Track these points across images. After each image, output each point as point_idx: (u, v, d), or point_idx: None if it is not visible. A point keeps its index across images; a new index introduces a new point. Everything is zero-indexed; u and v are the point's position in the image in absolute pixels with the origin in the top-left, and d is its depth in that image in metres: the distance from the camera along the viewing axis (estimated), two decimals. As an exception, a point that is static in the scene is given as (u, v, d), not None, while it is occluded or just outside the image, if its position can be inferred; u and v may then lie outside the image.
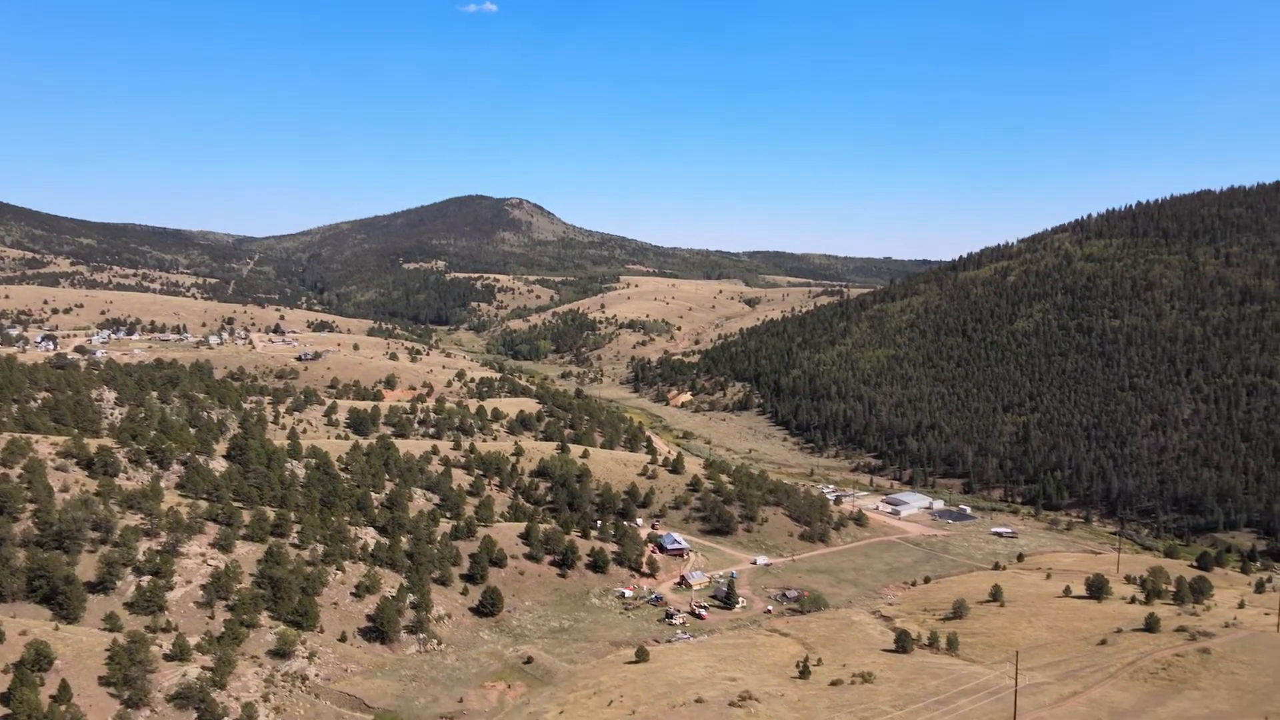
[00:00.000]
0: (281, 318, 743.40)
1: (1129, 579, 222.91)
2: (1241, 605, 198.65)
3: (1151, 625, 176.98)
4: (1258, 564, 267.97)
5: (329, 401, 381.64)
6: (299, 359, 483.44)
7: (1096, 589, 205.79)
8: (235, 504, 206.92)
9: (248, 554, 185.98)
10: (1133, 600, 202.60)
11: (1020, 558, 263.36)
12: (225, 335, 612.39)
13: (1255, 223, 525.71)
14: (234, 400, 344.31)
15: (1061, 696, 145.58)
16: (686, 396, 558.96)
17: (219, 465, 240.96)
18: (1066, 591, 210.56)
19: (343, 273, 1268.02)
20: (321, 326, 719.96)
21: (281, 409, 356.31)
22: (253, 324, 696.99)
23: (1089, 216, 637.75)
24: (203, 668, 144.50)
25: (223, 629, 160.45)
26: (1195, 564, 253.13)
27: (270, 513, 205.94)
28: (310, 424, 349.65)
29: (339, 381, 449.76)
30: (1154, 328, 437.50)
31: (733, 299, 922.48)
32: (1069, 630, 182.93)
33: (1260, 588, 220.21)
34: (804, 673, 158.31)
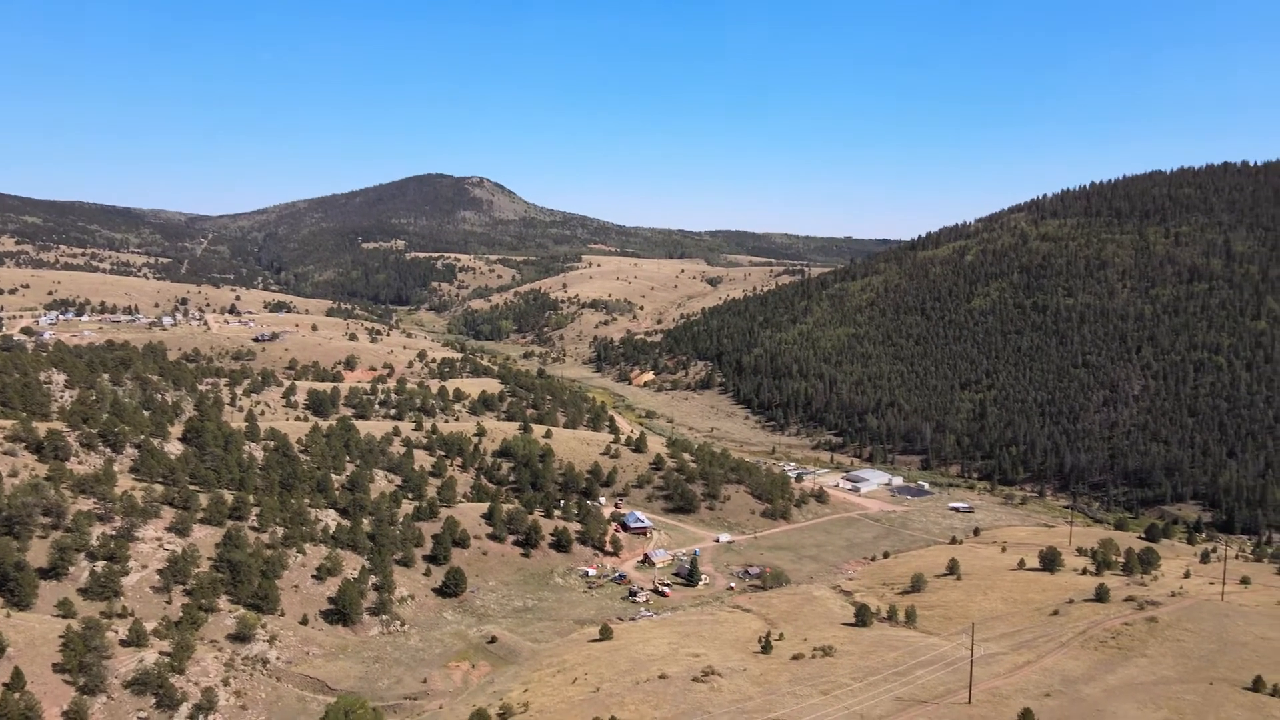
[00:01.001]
0: (237, 298, 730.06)
1: (1081, 551, 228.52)
2: (1187, 575, 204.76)
3: (1102, 595, 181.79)
4: (1203, 535, 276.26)
5: (287, 383, 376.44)
6: (256, 340, 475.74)
7: (1049, 561, 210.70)
8: (192, 487, 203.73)
9: (205, 538, 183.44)
10: (1084, 572, 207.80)
11: (977, 532, 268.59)
12: (179, 316, 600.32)
13: (1203, 203, 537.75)
14: (189, 382, 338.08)
15: (1016, 666, 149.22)
16: (649, 376, 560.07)
17: (174, 448, 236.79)
18: (1021, 564, 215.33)
19: (300, 252, 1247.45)
20: (279, 307, 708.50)
21: (239, 391, 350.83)
22: (207, 305, 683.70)
23: (1045, 196, 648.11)
24: (160, 653, 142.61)
25: (181, 614, 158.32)
26: (1144, 536, 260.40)
27: (228, 496, 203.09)
28: (268, 406, 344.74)
29: (297, 363, 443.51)
30: (1106, 306, 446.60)
31: (695, 278, 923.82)
32: (1023, 602, 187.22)
33: (1205, 558, 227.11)
34: (766, 648, 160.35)
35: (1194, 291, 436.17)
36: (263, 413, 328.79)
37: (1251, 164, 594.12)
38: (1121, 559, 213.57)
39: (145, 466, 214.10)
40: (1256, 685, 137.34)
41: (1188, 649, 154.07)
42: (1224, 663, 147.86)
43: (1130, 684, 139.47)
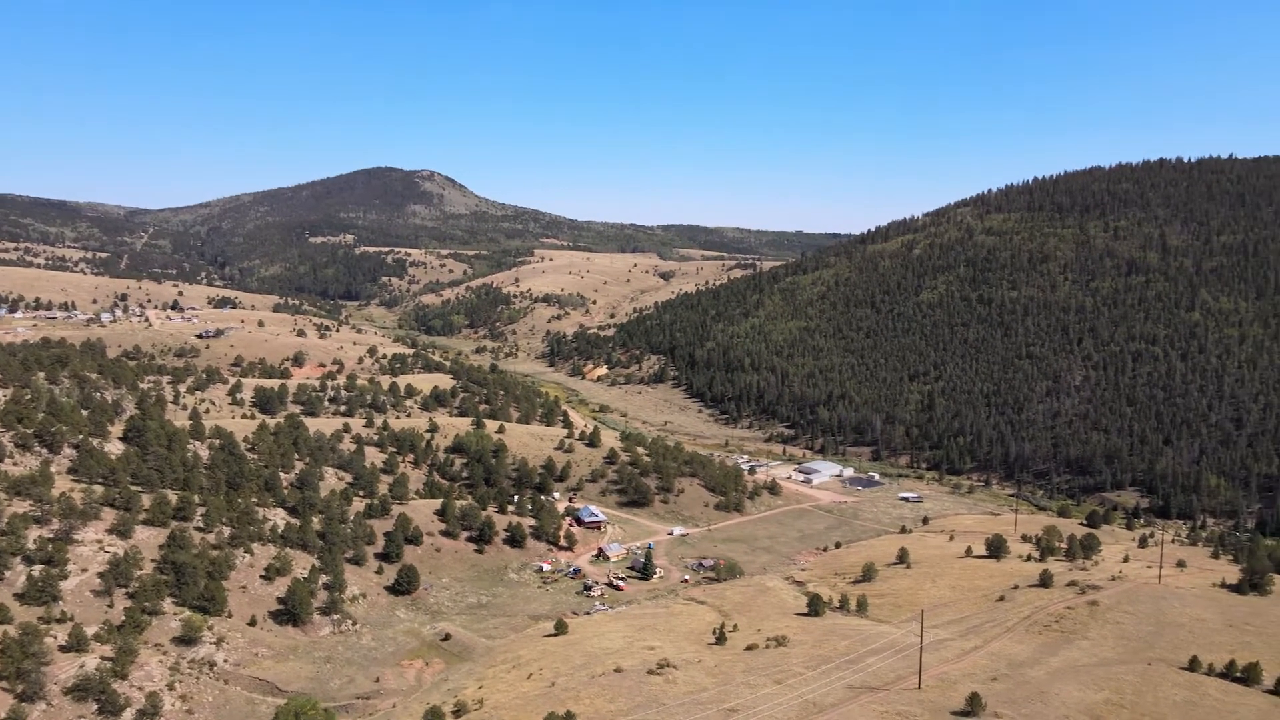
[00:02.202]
0: (180, 294, 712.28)
1: (1025, 538, 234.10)
2: (1126, 559, 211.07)
3: (1045, 581, 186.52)
4: (1141, 520, 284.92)
5: (233, 380, 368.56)
6: (200, 336, 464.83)
7: (995, 549, 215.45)
8: (134, 488, 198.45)
9: (149, 539, 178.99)
10: (1028, 558, 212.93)
11: (925, 521, 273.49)
12: (119, 312, 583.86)
13: (1141, 198, 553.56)
14: (130, 380, 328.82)
15: (964, 651, 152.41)
16: (602, 370, 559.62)
17: (115, 448, 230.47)
18: (968, 552, 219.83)
19: (245, 247, 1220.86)
20: (224, 303, 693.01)
21: (182, 388, 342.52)
22: (149, 300, 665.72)
23: (989, 191, 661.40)
24: (102, 658, 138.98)
25: (123, 617, 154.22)
26: (1085, 522, 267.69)
27: (172, 496, 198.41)
28: (214, 403, 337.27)
29: (244, 359, 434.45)
30: (1049, 298, 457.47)
31: (647, 272, 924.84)
32: (970, 588, 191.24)
33: (1143, 543, 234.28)
34: (720, 639, 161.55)
35: (1132, 284, 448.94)
36: (208, 411, 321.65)
37: (1185, 160, 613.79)
38: (1064, 545, 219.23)
39: (84, 467, 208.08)
40: (1192, 665, 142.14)
41: (1127, 631, 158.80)
42: (1161, 644, 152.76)
43: (1073, 666, 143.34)
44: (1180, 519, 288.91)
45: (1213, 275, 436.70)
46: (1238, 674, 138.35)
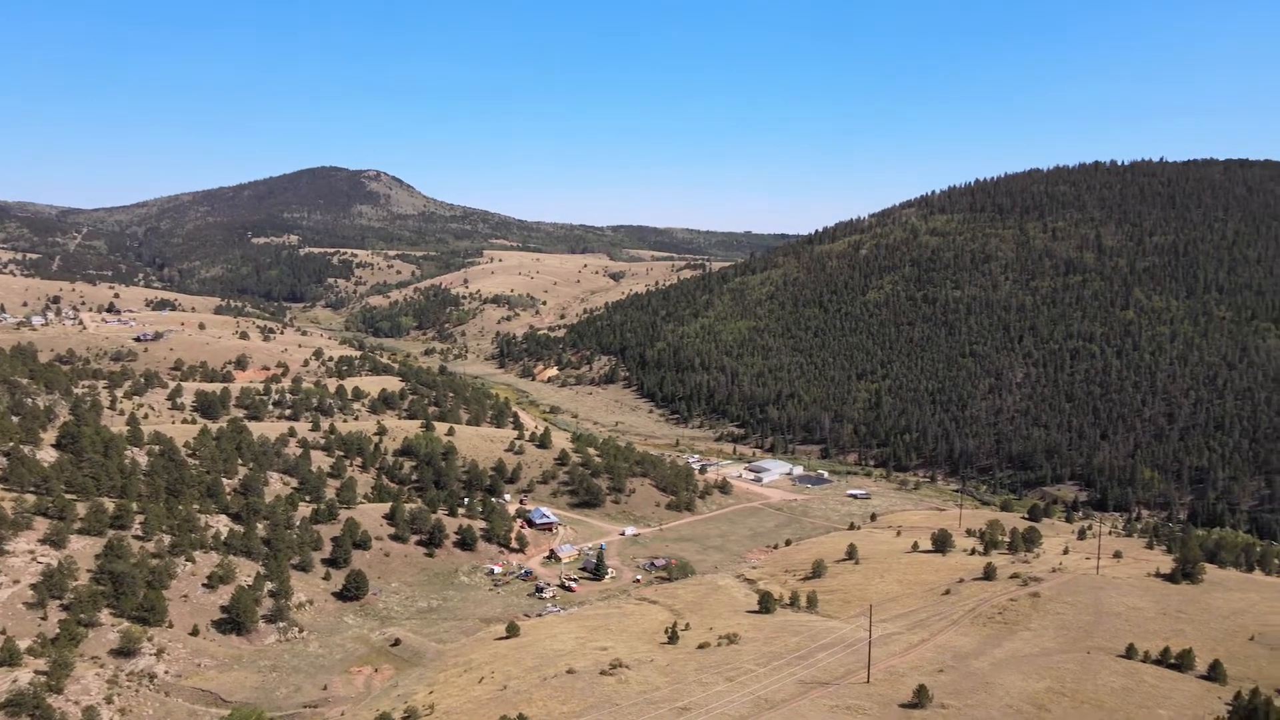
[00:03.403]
0: (116, 296, 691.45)
1: (970, 532, 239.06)
2: (1066, 551, 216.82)
3: (989, 574, 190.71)
4: (1080, 513, 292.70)
5: (173, 384, 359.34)
6: (138, 339, 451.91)
7: (941, 543, 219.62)
8: (68, 496, 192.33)
9: (84, 549, 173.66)
10: (973, 552, 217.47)
11: (873, 517, 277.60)
12: (51, 315, 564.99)
13: (1077, 199, 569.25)
14: (63, 385, 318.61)
15: (911, 644, 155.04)
16: (553, 371, 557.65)
17: (48, 455, 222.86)
18: (915, 547, 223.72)
19: (185, 248, 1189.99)
20: (162, 305, 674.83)
21: (119, 393, 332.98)
22: (83, 303, 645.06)
23: (933, 193, 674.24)
24: (36, 672, 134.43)
25: (58, 630, 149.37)
26: (1027, 516, 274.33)
27: (109, 504, 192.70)
28: (153, 408, 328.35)
29: (184, 363, 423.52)
30: (990, 298, 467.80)
31: (597, 273, 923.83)
32: (917, 583, 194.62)
33: (1082, 535, 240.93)
34: (673, 638, 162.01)
35: (1069, 283, 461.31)
36: (146, 416, 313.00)
37: (1119, 163, 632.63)
38: (1007, 539, 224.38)
39: (15, 475, 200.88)
40: (1129, 652, 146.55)
41: (1067, 621, 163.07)
42: (1100, 633, 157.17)
43: (1016, 656, 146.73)
44: (1117, 511, 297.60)
45: (1145, 275, 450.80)
46: (1172, 660, 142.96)
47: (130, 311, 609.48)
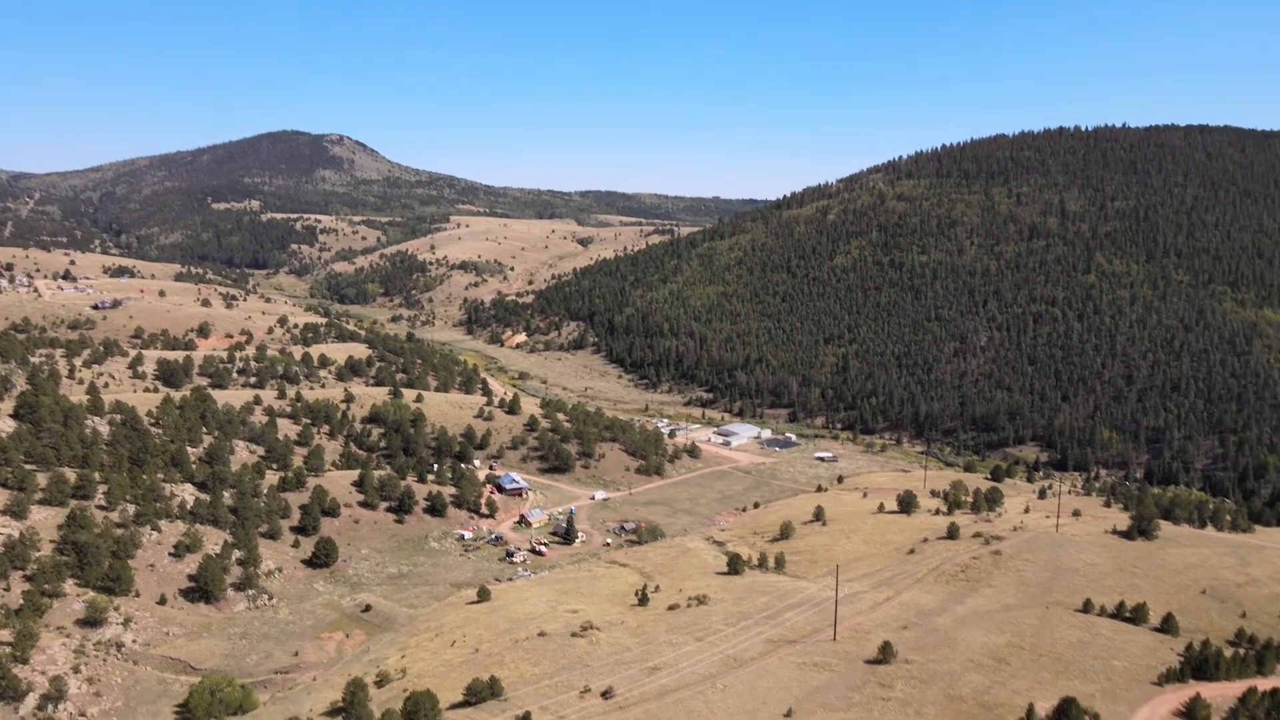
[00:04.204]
0: (72, 263, 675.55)
1: (934, 493, 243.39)
2: (1027, 510, 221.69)
3: (953, 533, 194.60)
4: (1040, 473, 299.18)
5: (134, 352, 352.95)
6: (95, 307, 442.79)
7: (906, 504, 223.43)
8: (28, 466, 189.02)
9: (46, 519, 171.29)
10: (937, 512, 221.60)
11: (840, 480, 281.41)
12: (4, 283, 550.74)
13: (1041, 165, 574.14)
14: (19, 354, 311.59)
15: (876, 603, 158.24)
16: (521, 337, 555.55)
17: (6, 425, 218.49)
18: (881, 508, 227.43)
19: (142, 213, 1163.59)
20: (120, 272, 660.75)
21: (78, 362, 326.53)
22: (37, 270, 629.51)
23: (900, 158, 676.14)
24: (1, 643, 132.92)
25: (21, 600, 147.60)
26: (989, 476, 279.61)
27: (70, 474, 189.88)
28: (113, 377, 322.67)
29: (144, 331, 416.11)
30: (956, 262, 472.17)
31: (565, 238, 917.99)
32: (883, 543, 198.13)
33: (1043, 494, 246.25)
34: (643, 600, 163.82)
35: (1033, 248, 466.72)
36: (107, 385, 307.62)
37: (1083, 129, 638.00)
38: (970, 499, 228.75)
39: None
40: (1086, 607, 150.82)
41: (1027, 578, 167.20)
42: (1059, 588, 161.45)
43: (978, 613, 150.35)
44: (1077, 471, 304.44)
45: (1107, 239, 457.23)
46: (1127, 614, 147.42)
47: (87, 279, 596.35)
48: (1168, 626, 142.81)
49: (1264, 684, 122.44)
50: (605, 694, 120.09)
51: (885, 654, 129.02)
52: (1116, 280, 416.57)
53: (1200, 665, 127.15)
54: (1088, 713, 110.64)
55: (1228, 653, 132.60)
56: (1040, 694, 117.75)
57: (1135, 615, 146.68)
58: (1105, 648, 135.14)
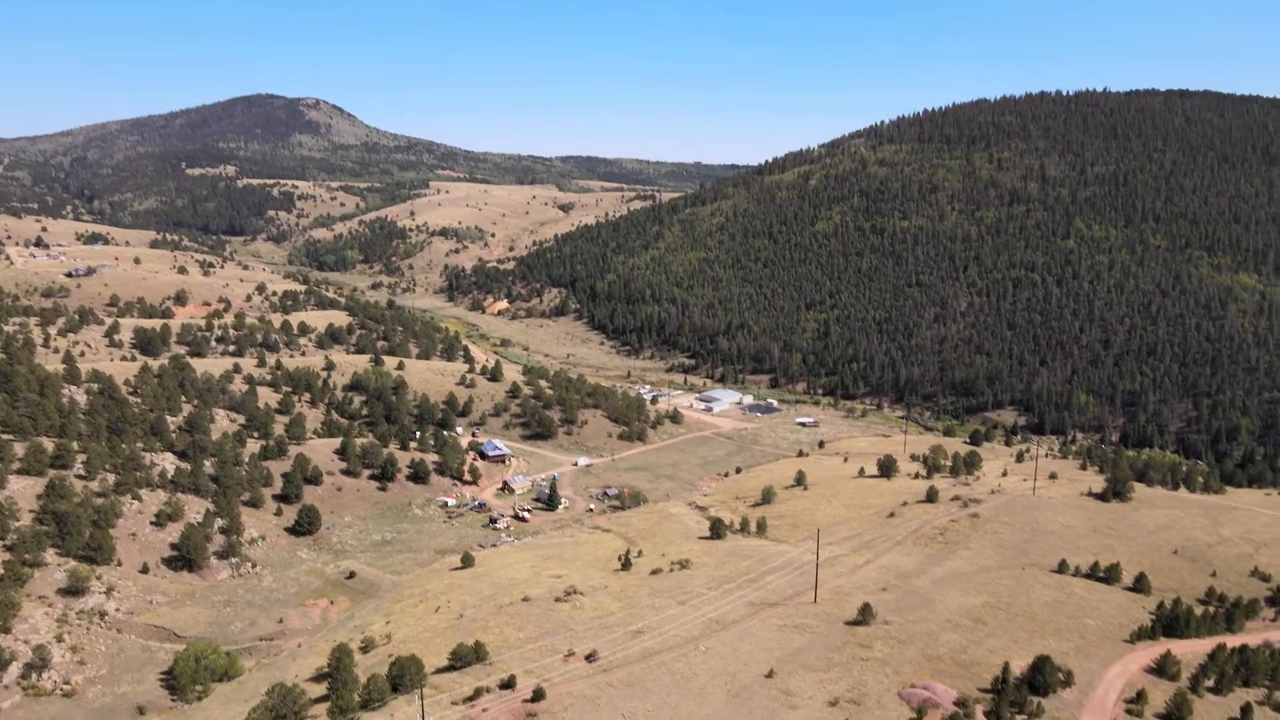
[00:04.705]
0: (44, 230, 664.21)
1: (914, 457, 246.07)
2: (1005, 474, 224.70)
3: (932, 497, 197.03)
4: (1018, 437, 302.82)
5: (109, 321, 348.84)
6: (69, 275, 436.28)
7: (886, 468, 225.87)
8: (4, 436, 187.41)
9: (25, 489, 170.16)
10: (916, 476, 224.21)
11: (821, 445, 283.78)
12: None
13: (1023, 129, 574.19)
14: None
15: (856, 565, 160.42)
16: (503, 304, 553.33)
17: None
18: (861, 472, 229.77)
19: (115, 179, 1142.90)
20: (94, 239, 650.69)
21: (53, 330, 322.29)
22: (8, 237, 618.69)
23: (882, 123, 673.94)
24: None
25: (2, 570, 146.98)
26: (968, 441, 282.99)
27: (48, 443, 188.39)
28: (89, 346, 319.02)
29: (120, 299, 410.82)
30: (937, 228, 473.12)
31: (547, 205, 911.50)
32: (863, 507, 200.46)
33: (1020, 458, 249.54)
34: (626, 565, 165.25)
35: (1013, 213, 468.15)
36: (83, 354, 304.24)
37: (1064, 93, 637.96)
38: (949, 463, 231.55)
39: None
40: (1061, 567, 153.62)
41: (1004, 540, 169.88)
42: (1035, 550, 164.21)
43: (955, 574, 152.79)
44: (1054, 434, 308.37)
45: (1086, 204, 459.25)
46: (1101, 574, 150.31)
47: (60, 246, 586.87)
48: (1140, 586, 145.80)
49: (1233, 640, 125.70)
50: (589, 657, 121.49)
51: (865, 615, 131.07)
52: (1095, 245, 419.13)
53: (1171, 623, 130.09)
54: (1061, 670, 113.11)
55: (1198, 611, 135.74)
56: (1015, 652, 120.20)
57: (1109, 575, 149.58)
58: (1079, 607, 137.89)
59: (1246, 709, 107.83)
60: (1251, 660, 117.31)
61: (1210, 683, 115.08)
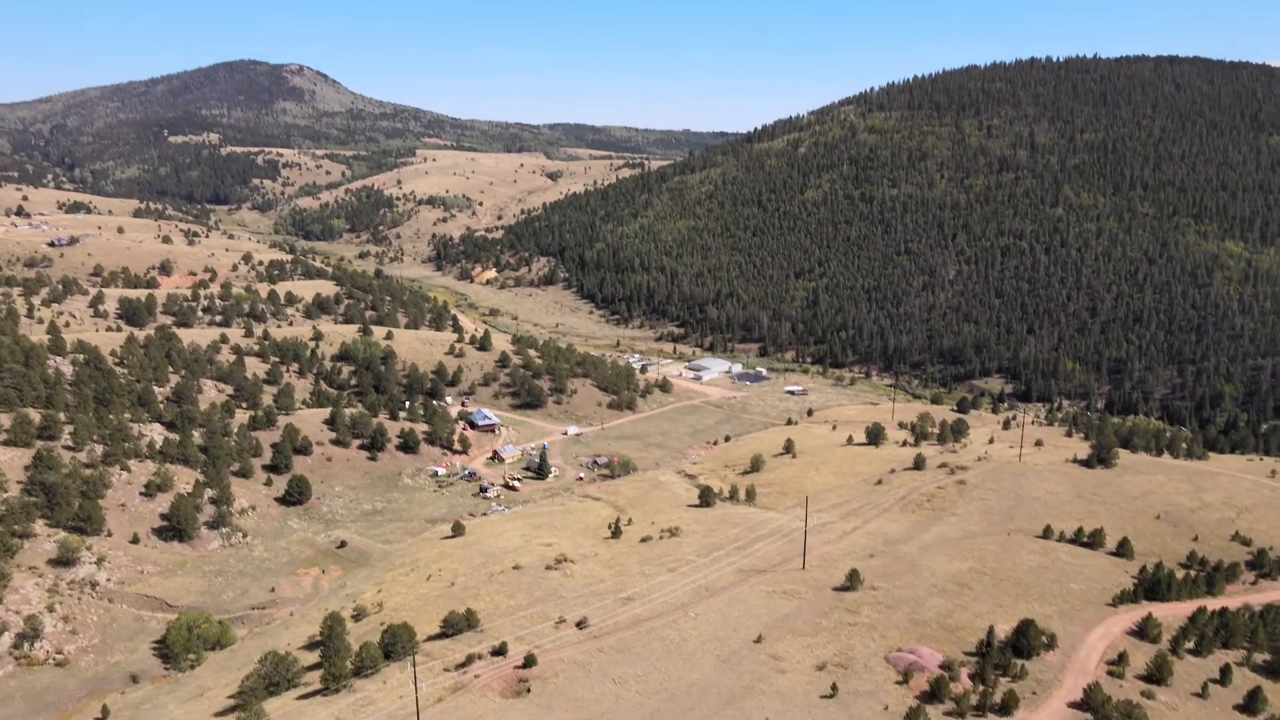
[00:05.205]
0: (25, 199, 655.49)
1: (902, 425, 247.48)
2: (991, 441, 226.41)
3: (919, 464, 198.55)
4: (1005, 404, 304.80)
5: (94, 291, 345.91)
6: (52, 244, 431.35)
7: (874, 436, 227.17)
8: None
9: (12, 460, 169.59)
10: (904, 444, 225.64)
11: (810, 413, 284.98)
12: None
13: (1012, 96, 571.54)
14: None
15: (844, 532, 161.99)
16: (491, 273, 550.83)
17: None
18: (849, 440, 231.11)
19: (96, 147, 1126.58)
20: (76, 208, 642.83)
21: (36, 301, 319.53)
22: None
23: (872, 90, 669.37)
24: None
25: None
26: (956, 408, 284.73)
27: (35, 415, 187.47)
28: (74, 316, 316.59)
29: (104, 269, 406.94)
30: (926, 196, 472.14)
31: (535, 173, 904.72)
32: (851, 474, 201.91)
33: (1007, 425, 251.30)
34: (616, 533, 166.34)
35: (1002, 181, 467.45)
36: (67, 324, 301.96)
37: (1055, 59, 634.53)
38: (936, 430, 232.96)
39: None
40: (1046, 533, 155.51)
41: (990, 506, 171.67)
42: (1020, 516, 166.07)
43: (942, 540, 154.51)
44: (1040, 402, 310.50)
45: (1075, 172, 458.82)
46: (1085, 539, 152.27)
47: (42, 215, 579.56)
48: (1123, 550, 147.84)
49: (1213, 603, 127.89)
50: (580, 624, 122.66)
51: (852, 581, 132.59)
52: (1083, 213, 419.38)
53: (1153, 587, 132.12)
54: (1045, 633, 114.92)
55: (1179, 574, 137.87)
56: (1000, 616, 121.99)
57: (1093, 540, 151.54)
58: (1063, 571, 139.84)
59: (1226, 670, 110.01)
60: (1231, 622, 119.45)
61: (1190, 644, 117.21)
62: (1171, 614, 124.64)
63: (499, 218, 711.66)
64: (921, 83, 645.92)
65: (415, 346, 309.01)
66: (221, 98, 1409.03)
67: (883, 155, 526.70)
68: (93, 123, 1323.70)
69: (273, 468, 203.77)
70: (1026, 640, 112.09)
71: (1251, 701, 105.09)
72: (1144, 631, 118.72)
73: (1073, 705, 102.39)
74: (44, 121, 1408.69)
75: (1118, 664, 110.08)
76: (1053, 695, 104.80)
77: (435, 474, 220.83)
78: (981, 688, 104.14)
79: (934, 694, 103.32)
